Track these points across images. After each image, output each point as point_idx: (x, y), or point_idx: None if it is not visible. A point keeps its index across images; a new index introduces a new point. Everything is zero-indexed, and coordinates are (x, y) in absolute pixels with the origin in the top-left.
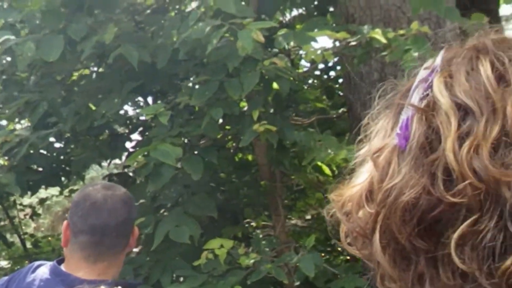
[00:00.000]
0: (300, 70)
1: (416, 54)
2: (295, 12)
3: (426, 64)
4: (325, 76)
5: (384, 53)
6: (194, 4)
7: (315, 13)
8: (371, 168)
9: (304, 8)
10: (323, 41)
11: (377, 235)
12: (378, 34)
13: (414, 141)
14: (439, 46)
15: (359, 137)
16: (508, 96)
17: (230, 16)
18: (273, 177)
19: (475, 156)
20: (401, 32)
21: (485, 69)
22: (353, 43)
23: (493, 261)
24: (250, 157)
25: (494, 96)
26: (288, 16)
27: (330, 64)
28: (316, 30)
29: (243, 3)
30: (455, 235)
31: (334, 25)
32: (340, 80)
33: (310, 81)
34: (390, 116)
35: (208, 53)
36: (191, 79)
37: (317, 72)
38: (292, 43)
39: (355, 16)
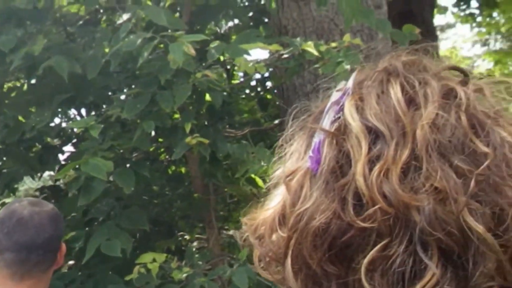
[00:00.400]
0: (237, 81)
1: (348, 66)
2: (231, 23)
3: (339, 86)
4: (260, 87)
5: (317, 65)
6: (125, 16)
7: (251, 24)
8: (284, 191)
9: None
10: (259, 52)
11: (289, 260)
12: (310, 47)
13: (325, 165)
14: (372, 58)
15: (274, 159)
16: (418, 119)
17: (163, 28)
18: (206, 189)
19: (385, 180)
20: (333, 44)
21: (395, 92)
22: (286, 55)
23: (402, 286)
24: (183, 170)
25: (404, 119)
26: (224, 27)
27: (267, 74)
28: (249, 42)
29: (177, 14)
30: (365, 261)
31: (267, 37)
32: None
33: (246, 92)
34: (304, 138)
35: (140, 65)
36: (125, 90)
37: (254, 83)
38: None
39: (288, 28)
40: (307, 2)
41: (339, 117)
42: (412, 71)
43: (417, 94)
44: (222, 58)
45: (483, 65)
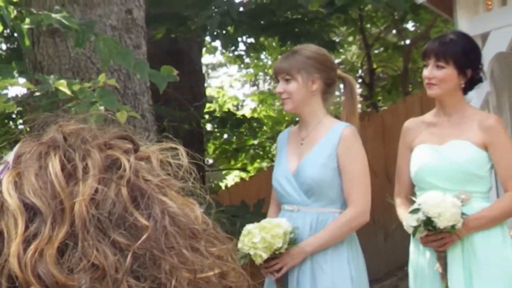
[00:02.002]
0: None
1: (102, 108)
2: None
3: (4, 158)
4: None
5: (70, 105)
6: None
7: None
8: None
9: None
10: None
11: None
12: (63, 86)
13: None
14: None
15: None
16: (76, 195)
17: None
18: None
19: (40, 261)
20: (88, 84)
21: (54, 166)
22: (38, 93)
23: None
24: None
25: (62, 195)
26: None
27: None
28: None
29: None
30: None
31: (21, 72)
32: None
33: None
34: None
35: None
36: None
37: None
38: None
39: (43, 64)
40: (63, 38)
41: None
42: (75, 143)
43: (77, 168)
44: None
45: (251, 105)
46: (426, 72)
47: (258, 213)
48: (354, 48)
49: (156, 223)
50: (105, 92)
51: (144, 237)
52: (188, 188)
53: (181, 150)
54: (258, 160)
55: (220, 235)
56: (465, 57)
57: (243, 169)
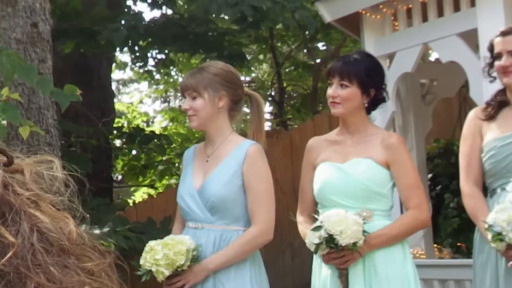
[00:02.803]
0: None
1: (5, 122)
2: None
3: None
4: None
5: None
6: None
7: None
8: None
9: None
10: None
11: None
12: None
13: None
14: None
15: None
16: None
17: None
18: None
19: None
20: None
21: None
22: None
23: None
24: None
25: None
26: None
27: None
28: None
29: None
30: None
31: None
32: None
33: None
34: None
35: None
36: None
37: None
38: None
39: None
40: None
41: None
42: None
43: None
44: None
45: (162, 121)
46: (330, 91)
47: (164, 230)
48: (264, 66)
49: (23, 240)
50: (8, 107)
51: (9, 254)
52: (65, 201)
53: (56, 163)
54: (167, 177)
55: (98, 249)
56: (369, 76)
57: (151, 185)
